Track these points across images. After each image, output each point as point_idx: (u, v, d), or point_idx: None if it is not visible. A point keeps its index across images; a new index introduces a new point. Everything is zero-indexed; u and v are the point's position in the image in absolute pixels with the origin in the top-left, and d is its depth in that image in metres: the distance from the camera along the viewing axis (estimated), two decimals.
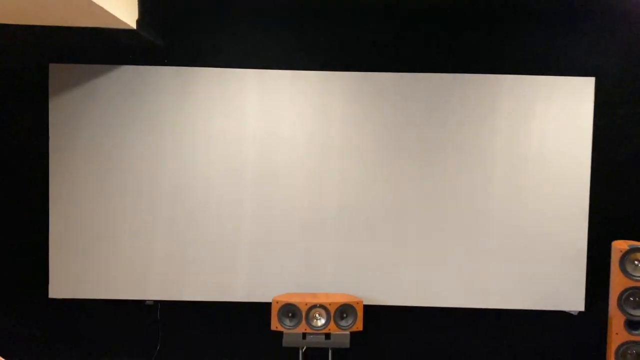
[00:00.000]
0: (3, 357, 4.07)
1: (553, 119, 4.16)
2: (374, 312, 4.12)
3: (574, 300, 4.18)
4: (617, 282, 3.67)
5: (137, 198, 4.18)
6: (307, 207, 4.19)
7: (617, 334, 3.67)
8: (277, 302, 3.86)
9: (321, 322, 3.84)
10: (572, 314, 4.22)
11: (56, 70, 4.15)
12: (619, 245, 3.69)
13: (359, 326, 3.87)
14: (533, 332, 4.34)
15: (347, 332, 3.84)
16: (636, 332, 3.65)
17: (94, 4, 2.92)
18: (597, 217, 4.16)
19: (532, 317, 4.26)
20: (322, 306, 3.83)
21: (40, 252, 4.19)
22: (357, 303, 3.88)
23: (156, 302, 4.27)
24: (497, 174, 4.18)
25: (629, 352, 3.66)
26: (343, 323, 3.86)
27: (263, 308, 4.06)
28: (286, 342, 3.82)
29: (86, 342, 4.34)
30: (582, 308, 4.18)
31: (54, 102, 4.16)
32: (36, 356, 4.28)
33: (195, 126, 4.17)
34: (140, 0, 3.60)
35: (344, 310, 3.87)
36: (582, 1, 4.05)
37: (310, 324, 3.83)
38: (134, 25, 3.56)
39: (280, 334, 3.88)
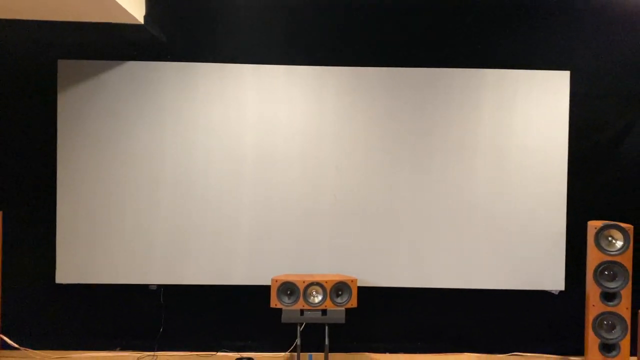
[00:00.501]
0: (12, 339, 4.26)
1: (532, 110, 4.43)
2: (368, 292, 4.34)
3: (554, 280, 4.43)
4: (593, 257, 3.94)
5: (141, 187, 4.38)
6: (303, 194, 4.41)
7: (594, 305, 3.94)
8: (276, 281, 4.08)
9: (318, 299, 4.06)
10: (553, 293, 4.47)
11: (64, 66, 4.37)
12: (594, 224, 3.97)
13: (353, 303, 4.10)
14: (518, 310, 4.57)
15: (343, 309, 4.06)
16: (611, 303, 3.91)
17: None
18: (574, 201, 4.42)
19: (517, 297, 4.50)
20: (318, 284, 4.05)
21: (48, 239, 4.36)
22: (352, 281, 4.11)
23: (159, 286, 4.44)
24: (481, 162, 4.44)
25: (605, 322, 3.92)
26: (338, 300, 4.08)
27: (262, 291, 4.27)
28: (285, 318, 4.02)
29: (92, 326, 4.50)
30: (562, 288, 4.42)
31: (62, 97, 4.36)
32: (44, 340, 4.43)
33: (196, 118, 4.40)
34: None
35: (340, 288, 4.10)
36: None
37: (308, 301, 4.04)
38: (141, 20, 3.80)
39: (279, 313, 4.08)
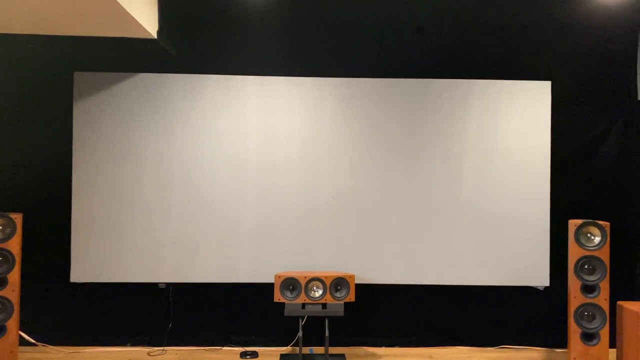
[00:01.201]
0: (30, 336, 4.48)
1: (516, 117, 4.74)
2: (364, 289, 4.60)
3: (540, 276, 4.71)
4: (573, 253, 4.22)
5: (151, 190, 4.65)
6: (303, 196, 4.70)
7: (575, 297, 4.21)
8: (279, 277, 4.35)
9: (318, 293, 4.33)
10: (539, 289, 4.75)
11: (80, 78, 4.67)
12: (575, 222, 4.26)
13: (351, 297, 4.37)
14: (506, 305, 4.84)
15: (342, 302, 4.33)
16: (591, 295, 4.19)
17: (127, 13, 3.47)
18: (557, 202, 4.71)
19: (505, 293, 4.77)
20: (319, 279, 4.33)
21: (63, 240, 4.61)
22: (350, 277, 4.38)
23: (168, 284, 4.70)
24: (469, 165, 4.74)
25: (586, 313, 4.19)
26: (338, 294, 4.36)
27: (265, 288, 4.52)
28: (288, 311, 4.29)
29: (104, 323, 4.73)
30: (547, 283, 4.70)
31: (78, 106, 4.65)
32: (59, 336, 4.67)
33: (203, 126, 4.68)
34: (161, 12, 4.14)
35: (338, 283, 4.37)
36: (537, 16, 4.71)
37: (309, 295, 4.31)
38: (155, 35, 4.11)
39: (282, 309, 4.34)
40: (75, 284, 4.62)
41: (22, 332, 4.53)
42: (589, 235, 4.23)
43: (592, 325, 4.16)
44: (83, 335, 4.71)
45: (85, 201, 4.63)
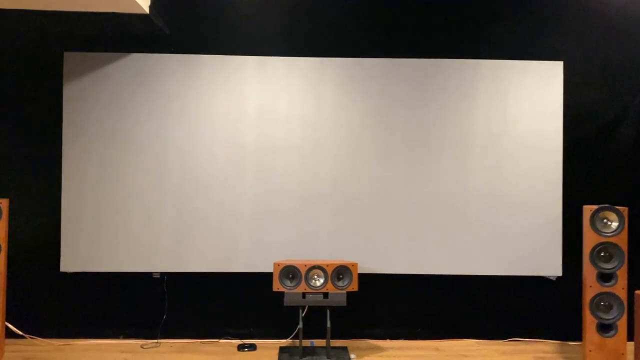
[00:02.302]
0: (17, 328, 4.30)
1: (526, 99, 4.54)
2: (368, 279, 4.39)
3: (552, 266, 4.51)
4: (589, 239, 4.01)
5: (145, 177, 4.46)
6: (303, 182, 4.49)
7: (591, 286, 4.00)
8: (279, 265, 4.14)
9: (320, 282, 4.12)
10: (550, 279, 4.54)
11: (70, 58, 4.47)
12: (590, 207, 4.05)
13: (354, 286, 4.16)
14: (516, 296, 4.64)
15: (344, 292, 4.12)
16: (607, 284, 3.98)
17: None
18: (570, 188, 4.51)
19: (515, 283, 4.57)
20: (320, 267, 4.12)
21: (53, 228, 4.42)
22: (353, 265, 4.17)
23: (162, 274, 4.50)
24: (477, 150, 4.53)
25: (602, 303, 3.98)
26: (340, 283, 4.15)
27: (264, 278, 4.32)
28: (287, 301, 4.08)
29: (96, 314, 4.55)
30: (559, 273, 4.50)
31: (68, 88, 4.46)
32: (49, 328, 4.48)
33: (199, 109, 4.49)
34: None
35: (341, 272, 4.16)
36: None
37: (310, 284, 4.11)
38: (147, 10, 3.90)
39: (281, 300, 4.13)
40: (65, 273, 4.43)
41: (9, 323, 4.33)
42: (605, 220, 4.01)
43: (609, 316, 3.95)
44: (73, 327, 4.52)
45: (76, 187, 4.44)
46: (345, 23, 4.59)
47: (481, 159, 4.54)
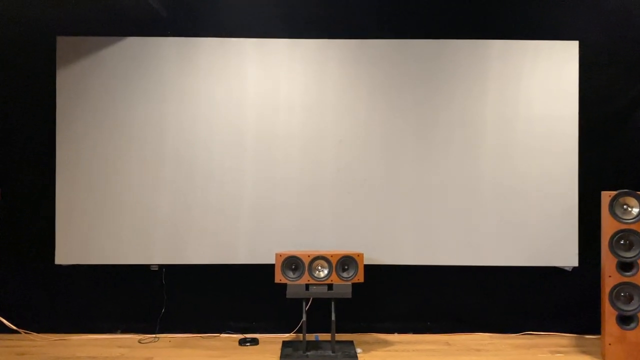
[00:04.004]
0: (11, 322, 4.16)
1: (541, 81, 4.32)
2: (374, 270, 4.21)
3: (567, 256, 4.30)
4: (608, 226, 3.80)
5: (142, 165, 4.29)
6: (306, 169, 4.31)
7: (610, 276, 3.79)
8: (281, 256, 3.96)
9: (323, 273, 3.94)
10: (566, 270, 4.34)
11: (63, 43, 4.31)
12: (608, 193, 3.84)
13: (360, 278, 3.97)
14: (530, 288, 4.45)
15: (349, 283, 3.93)
16: (628, 273, 3.77)
17: None
18: (586, 174, 4.30)
19: (528, 274, 4.37)
20: (324, 258, 3.94)
21: (47, 218, 4.27)
22: (358, 255, 3.99)
23: (161, 266, 4.34)
24: (488, 135, 4.33)
25: (622, 293, 3.77)
26: (345, 274, 3.96)
27: (266, 270, 4.13)
28: (290, 293, 3.90)
29: (92, 308, 4.40)
30: (575, 264, 4.29)
31: (62, 73, 4.29)
32: (44, 322, 4.34)
33: (197, 94, 4.31)
34: None
35: (345, 262, 3.98)
36: None
37: (313, 275, 3.92)
38: None
39: (284, 293, 3.95)
40: (60, 266, 4.28)
41: (2, 318, 4.19)
42: (625, 207, 3.81)
43: (629, 307, 3.75)
44: (69, 322, 4.37)
45: (70, 176, 4.28)
46: (350, 3, 4.39)
47: (493, 144, 4.33)
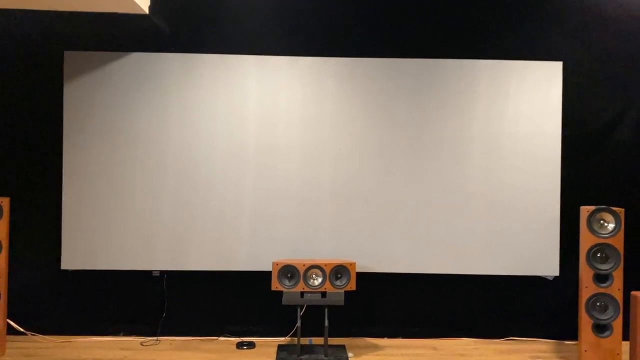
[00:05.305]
0: (19, 326, 4.33)
1: (526, 99, 4.53)
2: (366, 278, 4.41)
3: (549, 266, 4.52)
4: (585, 240, 4.03)
5: (145, 175, 4.47)
6: (304, 181, 4.51)
7: (587, 287, 4.02)
8: (277, 264, 4.17)
9: (318, 281, 4.15)
10: (548, 279, 4.56)
11: (70, 57, 4.48)
12: (587, 208, 4.07)
13: (352, 286, 4.19)
14: (513, 296, 4.66)
15: (342, 291, 4.15)
16: (603, 285, 4.00)
17: None
18: (568, 188, 4.52)
19: (512, 283, 4.59)
20: (318, 267, 4.15)
21: (54, 226, 4.44)
22: (351, 264, 4.20)
23: (162, 272, 4.53)
24: (476, 150, 4.54)
25: (598, 303, 4.01)
26: (338, 283, 4.17)
27: (263, 277, 4.34)
28: (286, 300, 4.11)
29: (96, 312, 4.58)
30: (557, 273, 4.52)
31: (69, 87, 4.46)
32: (50, 325, 4.51)
33: (200, 107, 4.50)
34: None
35: (339, 271, 4.19)
36: None
37: (308, 284, 4.13)
38: (147, 10, 3.91)
39: (280, 299, 4.15)
40: (66, 271, 4.46)
41: (11, 320, 4.37)
42: (602, 222, 4.03)
43: (604, 316, 3.98)
44: (74, 325, 4.54)
45: (77, 185, 4.46)
46: (346, 23, 4.59)
47: (480, 158, 4.54)
